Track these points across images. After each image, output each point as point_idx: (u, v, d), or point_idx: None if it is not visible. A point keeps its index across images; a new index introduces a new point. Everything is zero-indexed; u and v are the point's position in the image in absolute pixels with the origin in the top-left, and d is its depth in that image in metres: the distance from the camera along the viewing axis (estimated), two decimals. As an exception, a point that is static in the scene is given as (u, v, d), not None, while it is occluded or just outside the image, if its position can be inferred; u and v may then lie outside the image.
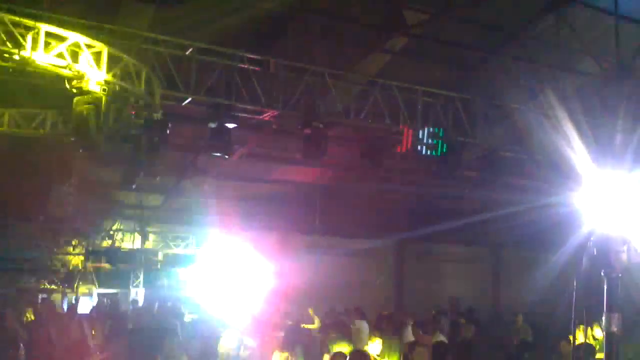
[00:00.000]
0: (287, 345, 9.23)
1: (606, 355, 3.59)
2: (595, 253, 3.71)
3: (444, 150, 12.49)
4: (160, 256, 17.64)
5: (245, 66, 10.80)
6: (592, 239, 3.74)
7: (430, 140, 12.32)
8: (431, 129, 12.32)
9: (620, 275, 3.63)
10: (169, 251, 17.56)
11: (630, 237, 3.68)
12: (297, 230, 18.27)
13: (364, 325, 13.02)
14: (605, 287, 3.64)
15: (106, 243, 16.97)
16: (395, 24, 12.40)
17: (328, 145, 11.76)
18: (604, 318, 3.63)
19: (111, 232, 16.96)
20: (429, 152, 12.39)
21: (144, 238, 17.08)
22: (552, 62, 13.98)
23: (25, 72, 9.50)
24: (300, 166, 15.65)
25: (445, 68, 14.51)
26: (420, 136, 12.29)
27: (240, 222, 16.59)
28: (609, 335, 3.59)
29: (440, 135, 12.41)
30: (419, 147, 12.31)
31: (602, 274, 3.64)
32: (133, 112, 10.18)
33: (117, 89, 9.25)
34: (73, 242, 16.59)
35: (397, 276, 19.86)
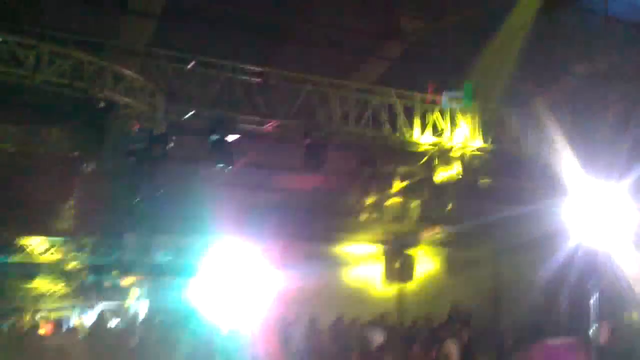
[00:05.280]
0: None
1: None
2: (583, 266, 3.82)
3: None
4: (163, 267, 17.64)
5: (246, 78, 10.94)
6: (579, 252, 3.87)
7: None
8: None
9: (605, 287, 3.73)
10: (172, 262, 17.56)
11: (616, 251, 3.82)
12: (300, 238, 18.34)
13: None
14: (593, 298, 3.72)
15: (108, 255, 16.98)
16: (393, 32, 12.56)
17: (329, 152, 11.97)
18: (593, 329, 3.70)
19: (113, 245, 16.98)
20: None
21: (146, 249, 17.10)
22: (544, 65, 14.18)
23: (28, 89, 9.63)
24: (301, 174, 15.74)
25: (441, 73, 14.67)
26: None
27: (243, 231, 16.66)
28: (597, 346, 3.63)
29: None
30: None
31: (589, 286, 3.73)
32: (136, 127, 10.29)
33: (121, 104, 9.37)
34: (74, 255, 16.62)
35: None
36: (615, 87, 13.77)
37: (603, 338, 3.70)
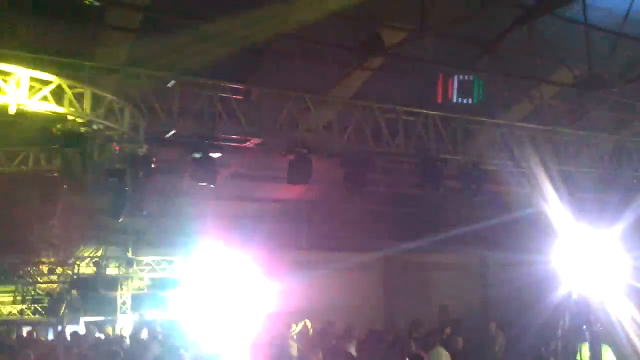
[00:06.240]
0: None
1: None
2: (576, 310, 3.89)
3: (481, 96, 12.82)
4: (147, 280, 17.56)
5: (227, 95, 10.88)
6: (573, 297, 3.94)
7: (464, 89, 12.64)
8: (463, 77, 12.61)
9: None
10: (156, 275, 17.48)
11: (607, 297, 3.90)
12: (285, 247, 18.34)
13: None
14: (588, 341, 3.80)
15: (92, 270, 16.86)
16: (374, 44, 12.51)
17: (313, 162, 11.95)
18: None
19: (96, 259, 16.87)
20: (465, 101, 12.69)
21: (130, 263, 17.01)
22: (526, 74, 14.25)
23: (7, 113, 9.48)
24: (285, 183, 15.71)
25: (423, 83, 14.69)
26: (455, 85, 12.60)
27: (227, 241, 16.63)
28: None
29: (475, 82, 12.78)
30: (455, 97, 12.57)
31: (584, 327, 3.81)
32: (117, 147, 10.19)
33: (101, 127, 9.27)
34: (57, 271, 16.48)
35: (387, 288, 19.96)
36: (594, 95, 13.89)
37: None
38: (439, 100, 12.79)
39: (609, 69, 13.91)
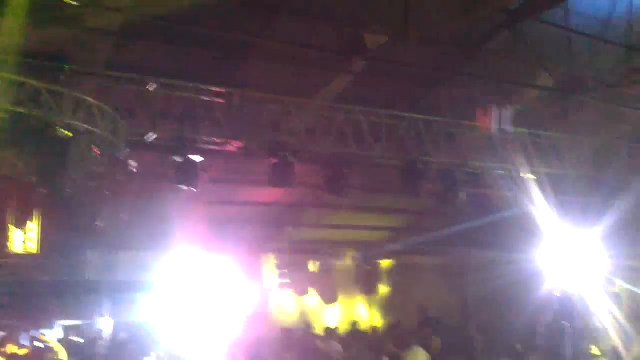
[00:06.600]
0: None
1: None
2: (559, 307, 3.92)
3: None
4: (125, 283, 17.29)
5: (209, 99, 10.77)
6: (555, 294, 3.95)
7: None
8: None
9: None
10: (135, 278, 17.23)
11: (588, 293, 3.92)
12: (265, 250, 18.29)
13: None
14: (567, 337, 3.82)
15: (70, 273, 16.57)
16: (356, 47, 12.46)
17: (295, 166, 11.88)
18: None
19: (75, 263, 16.59)
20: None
21: (109, 267, 16.75)
22: (508, 78, 14.32)
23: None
24: (266, 187, 15.60)
25: (407, 85, 14.69)
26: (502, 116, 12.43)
27: (208, 245, 16.49)
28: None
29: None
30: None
31: (566, 324, 3.82)
32: (97, 151, 10.02)
33: (81, 130, 9.11)
34: (35, 275, 16.17)
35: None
36: (575, 98, 13.98)
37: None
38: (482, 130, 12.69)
39: (590, 73, 14.05)
